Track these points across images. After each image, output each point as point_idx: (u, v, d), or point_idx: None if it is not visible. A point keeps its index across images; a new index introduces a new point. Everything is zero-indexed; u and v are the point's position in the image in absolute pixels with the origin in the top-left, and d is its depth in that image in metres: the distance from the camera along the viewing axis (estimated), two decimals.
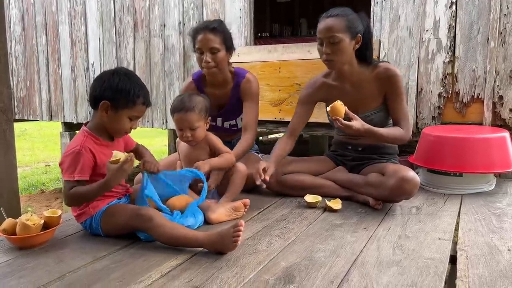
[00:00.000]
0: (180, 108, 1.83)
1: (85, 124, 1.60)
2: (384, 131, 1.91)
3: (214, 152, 1.93)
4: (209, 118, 1.97)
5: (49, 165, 6.95)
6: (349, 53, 1.92)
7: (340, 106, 1.80)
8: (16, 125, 2.78)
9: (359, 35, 1.91)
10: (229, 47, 2.15)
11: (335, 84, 2.07)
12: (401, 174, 1.77)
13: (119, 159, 1.44)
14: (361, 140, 2.09)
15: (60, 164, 1.50)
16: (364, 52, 1.98)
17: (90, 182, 1.50)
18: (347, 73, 2.00)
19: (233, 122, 2.33)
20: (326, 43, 1.89)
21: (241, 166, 1.96)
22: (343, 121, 1.80)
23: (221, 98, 2.27)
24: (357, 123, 1.82)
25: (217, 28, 2.09)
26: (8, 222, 1.50)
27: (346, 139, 2.15)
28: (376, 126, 1.92)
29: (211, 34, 2.07)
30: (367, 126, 1.85)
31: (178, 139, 2.05)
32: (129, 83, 1.52)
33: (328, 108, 1.83)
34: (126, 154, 1.47)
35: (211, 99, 2.07)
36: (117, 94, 1.50)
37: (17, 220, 1.48)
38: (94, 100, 1.53)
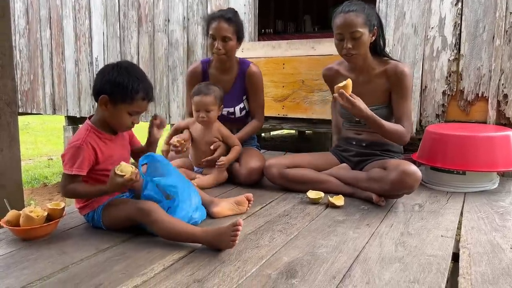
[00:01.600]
0: (199, 92, 2.16)
1: (89, 118, 1.59)
2: (385, 122, 1.91)
3: (224, 138, 2.27)
4: (222, 106, 2.25)
5: (51, 159, 6.97)
6: (367, 46, 1.97)
7: (349, 85, 1.83)
8: (20, 118, 2.79)
9: (376, 27, 1.96)
10: (240, 38, 2.29)
11: (346, 74, 2.12)
12: (403, 167, 1.78)
13: (124, 175, 1.43)
14: (365, 136, 2.11)
15: (62, 156, 1.51)
16: (377, 45, 2.03)
17: (88, 176, 1.51)
18: (360, 66, 2.04)
19: (231, 109, 2.39)
20: (348, 39, 1.91)
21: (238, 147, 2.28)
22: (348, 96, 1.80)
23: (224, 83, 2.36)
24: (361, 103, 1.83)
25: (232, 18, 2.23)
26: (11, 213, 1.50)
27: (351, 134, 2.17)
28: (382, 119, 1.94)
29: (225, 24, 2.21)
30: (370, 111, 1.86)
31: (176, 124, 2.36)
32: (127, 78, 1.48)
33: (341, 84, 1.83)
34: (132, 170, 1.45)
35: (215, 83, 2.29)
36: (114, 88, 1.47)
37: (20, 211, 1.49)
38: (96, 94, 1.52)
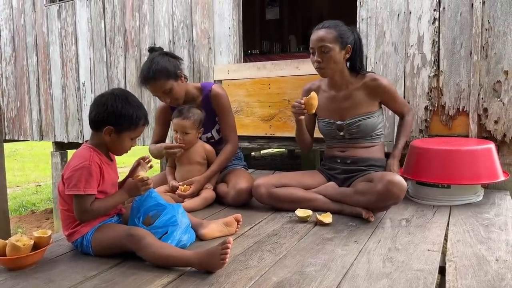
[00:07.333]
0: (179, 115, 2.23)
1: (85, 142, 1.64)
2: (403, 140, 2.24)
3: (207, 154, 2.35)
4: (202, 129, 2.31)
5: (39, 185, 6.89)
6: (339, 62, 2.05)
7: (314, 97, 2.00)
8: (7, 145, 2.77)
9: (349, 45, 2.05)
10: (177, 79, 2.23)
11: (327, 90, 2.22)
12: (388, 178, 1.82)
13: (138, 176, 1.60)
14: (349, 153, 2.16)
15: (67, 179, 1.50)
16: (355, 63, 2.13)
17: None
18: (338, 82, 2.14)
19: (209, 134, 2.43)
20: (318, 53, 2.03)
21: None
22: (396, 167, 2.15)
23: None
24: (393, 161, 2.16)
25: (158, 77, 2.16)
26: None
27: (335, 152, 2.21)
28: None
29: (154, 83, 2.18)
30: (395, 160, 2.17)
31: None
32: (131, 108, 1.57)
33: (306, 97, 2.00)
34: (143, 173, 1.62)
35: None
36: (120, 119, 1.55)
37: (6, 241, 1.47)
38: (96, 124, 1.57)
